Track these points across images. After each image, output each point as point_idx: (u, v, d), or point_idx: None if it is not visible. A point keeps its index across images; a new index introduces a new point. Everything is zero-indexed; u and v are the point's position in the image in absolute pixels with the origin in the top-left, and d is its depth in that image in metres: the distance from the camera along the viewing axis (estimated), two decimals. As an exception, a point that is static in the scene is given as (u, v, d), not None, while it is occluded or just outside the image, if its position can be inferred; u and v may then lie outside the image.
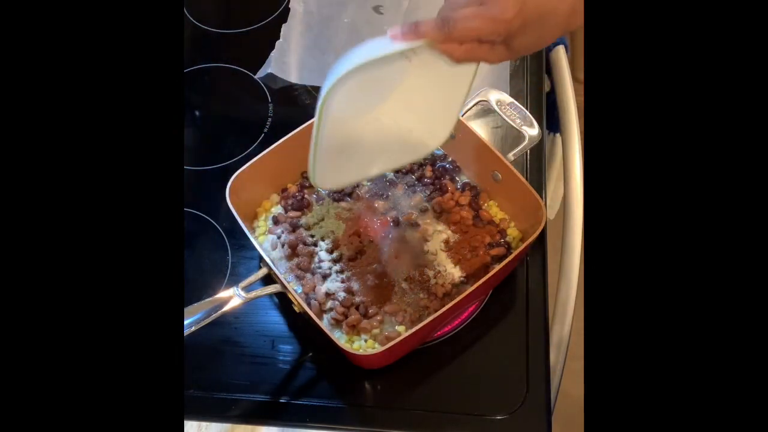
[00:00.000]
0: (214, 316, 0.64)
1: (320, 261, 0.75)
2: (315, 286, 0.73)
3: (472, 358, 0.73)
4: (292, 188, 0.80)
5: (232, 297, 0.66)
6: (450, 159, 0.81)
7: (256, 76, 0.92)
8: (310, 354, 0.74)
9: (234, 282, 0.69)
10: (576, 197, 0.85)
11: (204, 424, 0.74)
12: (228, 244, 0.80)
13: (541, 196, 0.74)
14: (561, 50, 0.96)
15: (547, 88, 0.93)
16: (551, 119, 0.95)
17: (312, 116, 0.76)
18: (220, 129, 0.91)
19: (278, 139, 0.76)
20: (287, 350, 0.74)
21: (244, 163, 0.74)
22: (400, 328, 0.70)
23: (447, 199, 0.78)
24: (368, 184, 0.80)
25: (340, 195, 0.78)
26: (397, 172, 0.80)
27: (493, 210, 0.78)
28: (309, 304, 0.70)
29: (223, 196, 0.71)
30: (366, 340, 0.70)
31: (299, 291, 0.73)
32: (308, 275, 0.74)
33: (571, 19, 0.55)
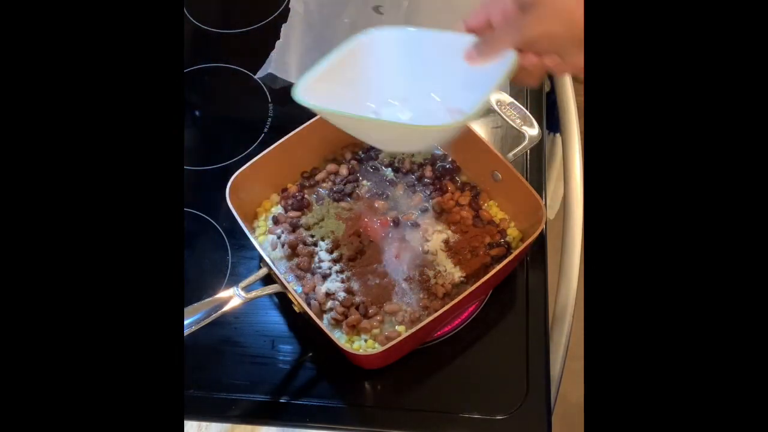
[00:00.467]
0: (214, 316, 0.64)
1: (320, 261, 0.75)
2: (315, 286, 0.73)
3: (472, 358, 0.73)
4: (292, 188, 0.80)
5: (232, 297, 0.66)
6: (450, 159, 0.81)
7: (256, 76, 0.92)
8: (310, 354, 0.74)
9: (234, 282, 0.69)
10: (576, 197, 0.85)
11: (204, 424, 0.74)
12: (228, 244, 0.80)
13: (541, 196, 0.74)
14: (561, 50, 0.96)
15: (547, 88, 0.93)
16: (551, 119, 0.95)
17: (312, 116, 0.76)
18: (220, 129, 0.91)
19: (278, 139, 0.76)
20: (287, 350, 0.74)
21: (244, 163, 0.74)
22: (400, 328, 0.70)
23: (447, 199, 0.78)
24: (368, 184, 0.80)
25: (340, 195, 0.78)
26: (397, 172, 0.80)
27: (493, 210, 0.78)
28: (309, 304, 0.70)
29: (223, 196, 0.71)
30: (366, 340, 0.70)
31: (299, 291, 0.73)
32: (308, 275, 0.74)
33: None
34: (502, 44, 0.58)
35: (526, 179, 0.75)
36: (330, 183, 0.80)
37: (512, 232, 0.76)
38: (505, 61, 0.58)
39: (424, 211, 0.78)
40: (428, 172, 0.80)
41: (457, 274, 0.74)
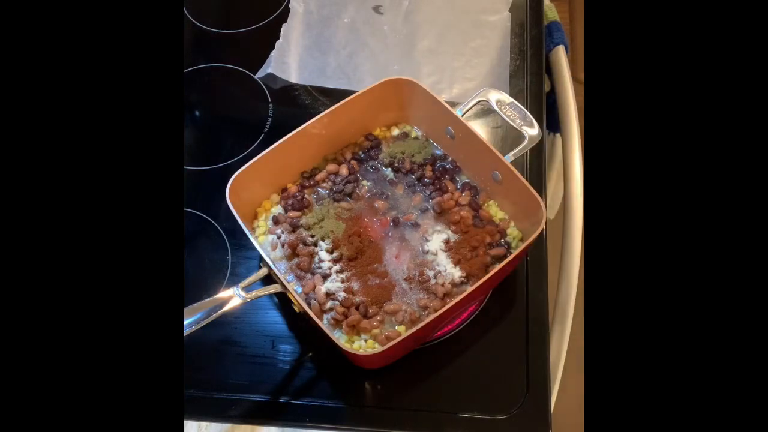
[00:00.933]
0: (214, 316, 0.64)
1: (320, 261, 0.75)
2: (315, 286, 0.73)
3: (472, 358, 0.73)
4: (292, 188, 0.80)
5: (232, 297, 0.66)
6: (450, 159, 0.81)
7: (256, 76, 0.92)
8: (310, 354, 0.74)
9: (234, 282, 0.69)
10: (576, 197, 0.85)
11: (204, 424, 0.74)
12: (228, 244, 0.80)
13: (541, 196, 0.74)
14: (561, 50, 0.96)
15: (547, 88, 0.93)
16: (551, 119, 0.95)
17: (312, 116, 0.76)
18: (220, 129, 0.91)
19: (278, 139, 0.76)
20: (287, 350, 0.74)
21: (244, 163, 0.74)
22: (400, 328, 0.70)
23: (447, 199, 0.78)
24: (368, 184, 0.80)
25: (340, 195, 0.78)
26: (397, 172, 0.80)
27: (493, 210, 0.78)
28: (309, 304, 0.70)
29: (223, 196, 0.71)
30: (366, 340, 0.70)
31: (299, 291, 0.73)
32: (308, 275, 0.74)
33: None
34: None
35: (526, 179, 0.75)
36: (330, 183, 0.80)
37: (512, 232, 0.76)
38: None
39: (424, 211, 0.78)
40: (428, 172, 0.80)
41: (457, 274, 0.74)
